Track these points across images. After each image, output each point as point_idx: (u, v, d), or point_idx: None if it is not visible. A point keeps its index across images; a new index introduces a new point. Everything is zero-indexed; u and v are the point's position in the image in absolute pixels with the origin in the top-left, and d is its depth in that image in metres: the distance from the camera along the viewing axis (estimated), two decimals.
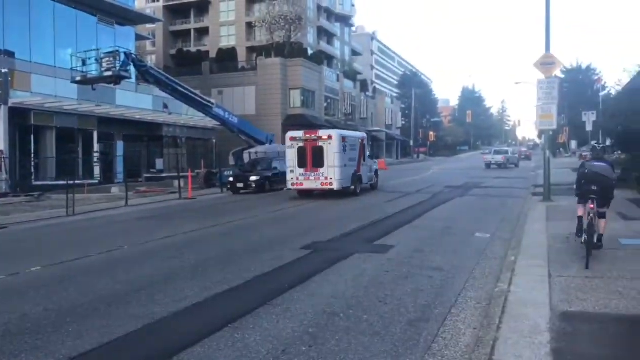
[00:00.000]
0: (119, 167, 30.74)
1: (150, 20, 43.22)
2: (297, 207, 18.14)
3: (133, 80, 27.95)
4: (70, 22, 30.51)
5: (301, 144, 21.30)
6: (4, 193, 23.47)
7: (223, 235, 12.12)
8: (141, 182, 30.16)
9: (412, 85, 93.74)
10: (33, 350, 5.37)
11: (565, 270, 7.79)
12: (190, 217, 15.94)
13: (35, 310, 6.57)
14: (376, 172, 25.92)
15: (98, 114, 29.28)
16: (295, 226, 13.44)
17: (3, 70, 25.02)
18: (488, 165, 47.52)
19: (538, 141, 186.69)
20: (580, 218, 9.00)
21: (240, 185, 24.32)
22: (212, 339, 5.63)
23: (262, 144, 30.47)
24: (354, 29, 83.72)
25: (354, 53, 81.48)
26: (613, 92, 45.85)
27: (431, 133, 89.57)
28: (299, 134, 21.60)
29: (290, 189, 21.31)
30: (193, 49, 61.15)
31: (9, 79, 25.35)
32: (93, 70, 22.64)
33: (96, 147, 29.52)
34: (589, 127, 49.56)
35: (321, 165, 20.86)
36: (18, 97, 25.74)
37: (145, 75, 23.41)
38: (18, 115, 25.55)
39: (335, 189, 20.77)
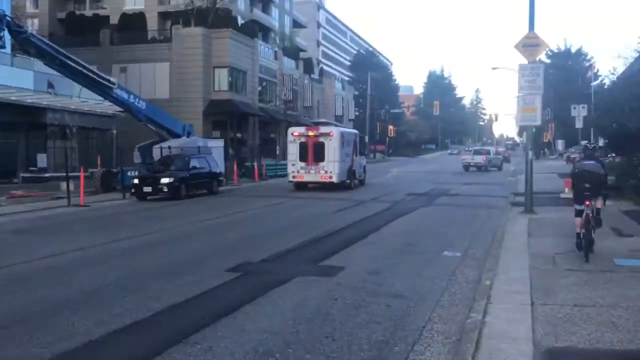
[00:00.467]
0: None
1: None
2: (227, 216, 18.07)
3: (8, 50, 27.19)
4: None
5: (303, 140, 29.01)
6: None
7: (125, 254, 11.84)
8: (17, 184, 29.36)
9: (368, 68, 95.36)
10: None
11: (551, 297, 8.09)
12: (83, 230, 15.54)
13: None
14: (364, 168, 33.54)
15: None
16: (222, 242, 13.33)
17: None
18: (466, 168, 49.67)
19: (518, 140, 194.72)
20: (578, 234, 11.20)
21: (147, 189, 24.14)
22: None
23: (178, 136, 30.06)
24: None
25: (296, 25, 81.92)
26: (607, 81, 48.31)
27: (391, 127, 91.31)
28: (302, 129, 29.77)
29: (291, 181, 29.33)
30: (88, 12, 59.03)
31: None
32: None
33: None
34: (578, 124, 51.98)
35: (322, 159, 28.64)
36: None
37: (25, 45, 22.33)
38: None
39: (335, 182, 28.48)
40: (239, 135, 49.76)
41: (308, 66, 71.49)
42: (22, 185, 29.19)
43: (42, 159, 33.15)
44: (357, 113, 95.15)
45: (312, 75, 74.03)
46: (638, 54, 29.90)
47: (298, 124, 45.86)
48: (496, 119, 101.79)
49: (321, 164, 28.87)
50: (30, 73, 32.99)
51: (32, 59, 26.95)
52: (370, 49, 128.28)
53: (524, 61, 17.86)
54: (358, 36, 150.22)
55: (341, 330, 7.04)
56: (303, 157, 29.15)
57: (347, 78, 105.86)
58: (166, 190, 24.10)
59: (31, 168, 32.55)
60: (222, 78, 47.98)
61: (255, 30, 55.65)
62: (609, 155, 36.65)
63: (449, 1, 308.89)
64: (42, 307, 8.00)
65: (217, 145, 33.80)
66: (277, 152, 47.15)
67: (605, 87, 48.92)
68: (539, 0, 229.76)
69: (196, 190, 25.87)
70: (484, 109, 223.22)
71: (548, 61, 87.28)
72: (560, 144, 79.65)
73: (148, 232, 14.80)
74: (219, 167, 29.00)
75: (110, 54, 46.73)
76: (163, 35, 50.63)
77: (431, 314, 7.78)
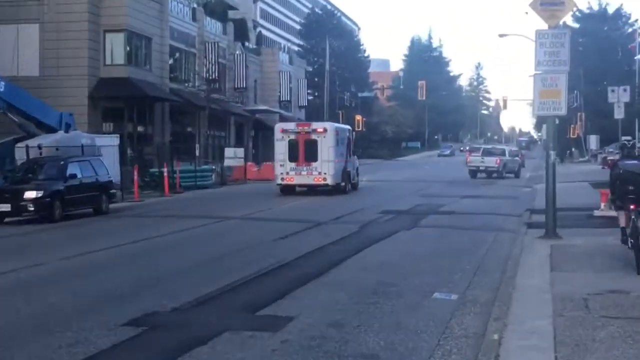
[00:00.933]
0: None
1: None
2: (124, 246, 17.85)
3: None
4: None
5: (292, 137, 34.59)
6: None
7: None
8: None
9: (326, 34, 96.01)
10: None
11: (583, 357, 8.22)
12: None
13: None
14: (357, 169, 39.61)
15: None
16: (118, 283, 13.15)
17: None
18: (474, 173, 51.65)
19: (536, 135, 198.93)
20: (623, 229, 13.74)
21: (4, 207, 23.86)
22: None
23: (53, 130, 29.66)
24: None
25: None
26: None
27: (358, 117, 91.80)
28: (291, 126, 35.37)
29: (280, 184, 34.87)
30: None
31: None
32: None
33: None
34: (618, 114, 52.86)
35: (314, 159, 34.22)
36: None
37: None
38: None
39: (330, 184, 34.37)
40: (141, 129, 49.31)
41: (241, 31, 71.61)
42: None
43: None
44: (310, 98, 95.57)
45: (246, 44, 74.10)
46: None
47: (226, 113, 45.79)
48: (504, 107, 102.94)
49: (314, 164, 34.62)
50: None
51: None
52: (329, 7, 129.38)
53: (543, 26, 18.20)
54: None
55: None
56: (293, 156, 34.83)
57: (296, 48, 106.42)
58: (33, 208, 23.86)
59: None
60: (116, 47, 47.47)
61: None
62: None
63: None
64: None
65: (109, 143, 33.43)
66: (197, 153, 46.92)
67: None
68: None
69: (77, 209, 25.56)
70: (487, 92, 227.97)
71: (576, 26, 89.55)
72: (593, 141, 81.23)
73: (3, 272, 14.51)
74: (111, 174, 28.65)
75: None
76: None
77: None
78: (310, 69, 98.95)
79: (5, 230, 22.00)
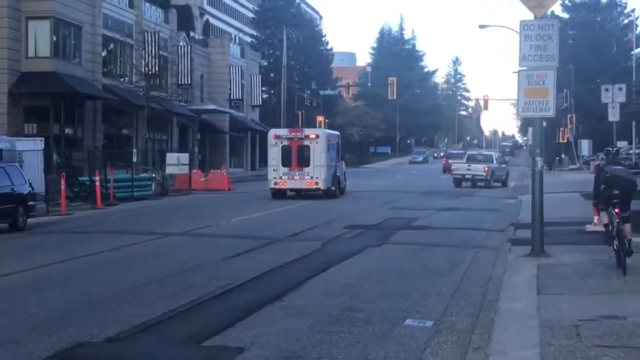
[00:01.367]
0: None
1: None
2: (48, 267, 17.64)
3: None
4: None
5: (286, 143, 41.29)
6: None
7: None
8: None
9: (283, 23, 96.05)
10: None
11: None
12: None
13: None
14: (345, 174, 46.43)
15: None
16: (40, 309, 12.94)
17: None
18: (459, 182, 53.24)
19: (521, 140, 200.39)
20: (607, 226, 16.29)
21: None
22: None
23: None
24: None
25: None
26: None
27: (320, 118, 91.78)
28: (284, 132, 42.45)
29: (272, 188, 41.37)
30: None
31: None
32: None
33: None
34: (613, 116, 53.30)
35: (307, 164, 40.81)
36: None
37: None
38: None
39: (321, 189, 41.06)
40: (69, 131, 48.91)
41: (185, 19, 71.38)
42: None
43: None
44: (265, 96, 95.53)
45: (192, 34, 73.88)
46: None
47: (168, 113, 45.51)
48: (485, 107, 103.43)
49: (306, 169, 41.15)
50: None
51: None
52: None
53: (529, 16, 18.36)
54: None
55: None
56: (286, 162, 41.29)
57: (249, 39, 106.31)
58: None
59: None
60: (40, 37, 47.11)
61: None
62: None
63: None
64: None
65: (31, 147, 33.11)
66: (135, 159, 46.62)
67: None
68: None
69: None
70: (466, 90, 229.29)
71: (566, 16, 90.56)
72: (585, 146, 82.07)
73: None
74: (31, 184, 28.25)
75: None
76: None
77: None
78: (265, 63, 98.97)
79: None
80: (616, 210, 15.60)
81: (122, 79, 56.38)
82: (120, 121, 57.00)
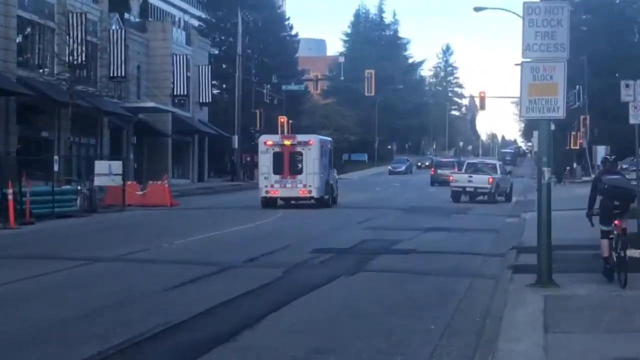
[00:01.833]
0: None
1: None
2: None
3: None
4: None
5: (277, 149, 46.74)
6: None
7: None
8: None
9: (238, 3, 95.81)
10: None
11: None
12: None
13: None
14: (336, 182, 52.27)
15: None
16: None
17: None
18: (457, 196, 54.61)
19: (525, 146, 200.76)
20: (606, 259, 18.05)
21: None
22: None
23: None
24: None
25: None
26: None
27: (282, 119, 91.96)
28: (276, 138, 48.33)
29: (264, 197, 46.98)
30: None
31: None
32: None
33: None
34: (635, 118, 53.61)
35: (299, 172, 46.30)
36: None
37: None
38: None
39: (315, 197, 46.69)
40: None
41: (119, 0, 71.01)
42: None
43: None
44: (217, 91, 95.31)
45: (127, 16, 73.58)
46: None
47: (97, 112, 45.24)
48: (482, 107, 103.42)
49: (299, 177, 46.85)
50: None
51: None
52: None
53: None
54: None
55: None
56: (278, 169, 46.93)
57: (197, 23, 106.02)
58: None
59: None
60: None
61: None
62: None
63: None
64: None
65: None
66: (56, 168, 46.36)
67: None
68: None
69: None
70: (459, 86, 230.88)
71: None
72: (601, 154, 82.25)
73: None
74: None
75: None
76: None
77: None
78: (216, 52, 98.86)
79: None
80: (616, 222, 17.80)
81: (41, 71, 56.07)
82: (38, 122, 56.66)
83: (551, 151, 19.19)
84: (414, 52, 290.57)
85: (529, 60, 18.33)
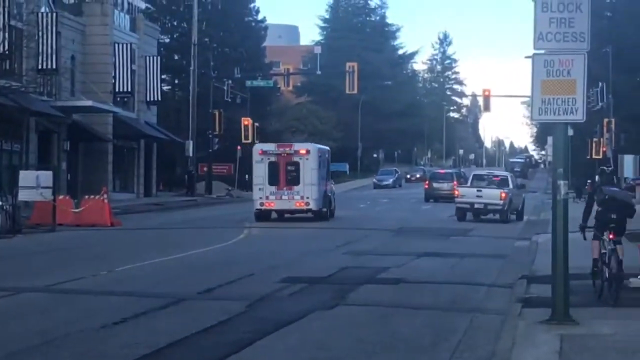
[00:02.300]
0: None
1: None
2: None
3: None
4: None
5: (273, 159, 51.86)
6: None
7: None
8: None
9: None
10: None
11: None
12: None
13: None
14: (334, 194, 58.73)
15: None
16: None
17: None
18: (463, 215, 56.04)
19: (537, 155, 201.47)
20: (595, 260, 20.70)
21: None
22: None
23: None
24: None
25: None
26: None
27: (247, 121, 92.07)
28: (271, 147, 53.44)
29: (258, 209, 52.02)
30: None
31: None
32: None
33: None
34: None
35: (296, 182, 51.30)
36: None
37: None
38: None
39: (313, 209, 51.84)
40: None
41: None
42: None
43: None
44: (167, 87, 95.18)
45: None
46: None
47: (22, 112, 44.96)
48: (486, 107, 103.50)
49: (295, 188, 51.92)
50: None
51: None
52: None
53: None
54: None
55: None
56: (273, 180, 52.02)
57: (143, 5, 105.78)
58: None
59: None
60: None
61: None
62: None
63: None
64: None
65: None
66: None
67: None
68: None
69: None
70: (459, 82, 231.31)
71: None
72: (629, 164, 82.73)
73: None
74: None
75: None
76: None
77: None
78: (167, 41, 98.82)
79: None
80: (610, 236, 20.26)
81: None
82: None
83: (569, 161, 19.29)
84: (405, 42, 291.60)
85: (541, 52, 18.37)
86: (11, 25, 57.04)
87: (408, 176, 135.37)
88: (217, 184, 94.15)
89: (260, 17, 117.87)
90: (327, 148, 61.59)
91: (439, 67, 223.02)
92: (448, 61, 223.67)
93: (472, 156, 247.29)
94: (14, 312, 21.25)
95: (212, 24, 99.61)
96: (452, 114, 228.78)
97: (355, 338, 17.80)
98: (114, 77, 76.44)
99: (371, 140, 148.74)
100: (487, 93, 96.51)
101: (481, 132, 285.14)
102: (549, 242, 19.87)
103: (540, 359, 15.02)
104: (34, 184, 47.23)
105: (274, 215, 54.46)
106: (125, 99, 79.83)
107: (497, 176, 61.59)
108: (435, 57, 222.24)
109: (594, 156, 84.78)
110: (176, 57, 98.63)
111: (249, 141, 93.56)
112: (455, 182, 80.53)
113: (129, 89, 78.45)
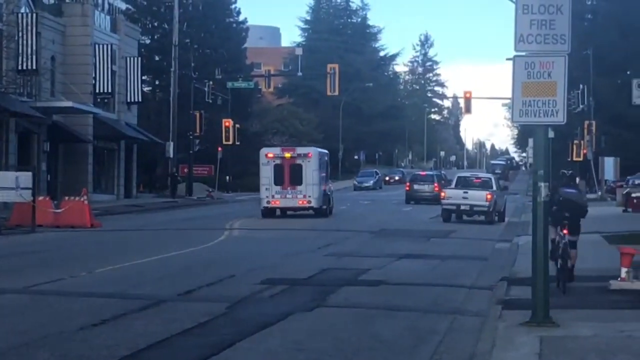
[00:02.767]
0: None
1: None
2: None
3: None
4: None
5: (278, 162, 59.28)
6: None
7: None
8: None
9: None
10: None
11: None
12: None
13: None
14: (332, 193, 66.63)
15: None
16: None
17: None
18: (449, 215, 57.32)
19: (518, 157, 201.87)
20: (553, 240, 22.03)
21: None
22: None
23: None
24: None
25: None
26: None
27: (228, 123, 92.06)
28: (277, 150, 62.68)
29: (266, 207, 59.27)
30: None
31: None
32: None
33: None
34: None
35: (299, 182, 58.67)
36: None
37: None
38: None
39: (314, 207, 59.41)
40: None
41: None
42: None
43: None
44: (148, 88, 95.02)
45: None
46: None
47: (4, 114, 44.95)
48: (467, 109, 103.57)
49: (299, 187, 58.79)
50: None
51: None
52: None
53: None
54: None
55: None
56: (278, 180, 58.88)
57: (124, 6, 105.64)
58: None
59: None
60: None
61: None
62: None
63: None
64: None
65: None
66: None
67: None
68: None
69: None
70: (441, 84, 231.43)
71: None
72: (610, 167, 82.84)
73: None
74: None
75: None
76: None
77: None
78: (148, 42, 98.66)
79: None
80: (564, 231, 23.27)
81: None
82: None
83: (549, 163, 19.24)
84: (387, 43, 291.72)
85: (522, 54, 18.39)
86: None
87: (387, 178, 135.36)
88: (197, 185, 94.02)
89: (241, 18, 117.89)
90: (327, 152, 68.10)
91: (420, 69, 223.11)
92: (429, 63, 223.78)
93: (453, 158, 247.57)
94: None
95: (193, 25, 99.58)
96: (433, 116, 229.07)
97: (335, 339, 17.81)
98: (94, 78, 76.23)
99: (352, 142, 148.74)
100: (468, 95, 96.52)
101: (462, 134, 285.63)
102: (530, 244, 19.85)
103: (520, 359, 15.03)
104: (13, 185, 47.06)
105: (275, 212, 60.51)
106: (106, 100, 79.64)
107: (480, 178, 62.42)
108: (417, 59, 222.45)
109: (574, 158, 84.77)
110: (157, 58, 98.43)
111: (230, 142, 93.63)
112: (436, 184, 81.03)
113: (109, 90, 78.23)
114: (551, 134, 19.30)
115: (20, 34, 62.43)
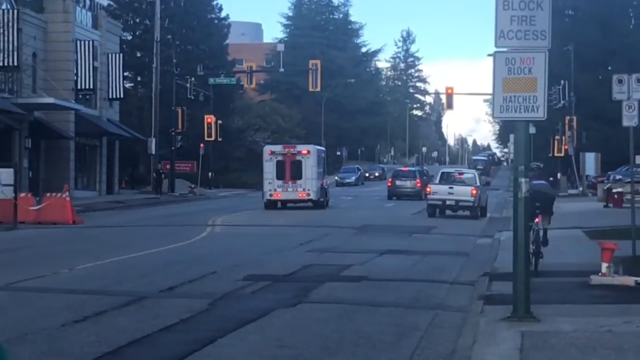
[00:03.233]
0: None
1: None
2: None
3: None
4: None
5: (280, 158, 66.85)
6: None
7: None
8: None
9: None
10: None
11: None
12: None
13: None
14: (329, 186, 77.97)
15: None
16: None
17: None
18: (434, 211, 57.76)
19: (499, 152, 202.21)
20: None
21: None
22: None
23: None
24: None
25: None
26: None
27: (210, 119, 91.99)
28: (278, 148, 69.39)
29: (269, 199, 66.38)
30: None
31: None
32: None
33: None
34: (629, 119, 54.03)
35: (299, 177, 65.90)
36: None
37: None
38: None
39: (313, 199, 66.57)
40: None
41: None
42: None
43: None
44: (130, 85, 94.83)
45: None
46: None
47: None
48: (449, 105, 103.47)
49: (299, 181, 64.63)
50: None
51: None
52: None
53: None
54: None
55: None
56: (280, 175, 64.73)
57: (105, 2, 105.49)
58: None
59: None
60: None
61: None
62: None
63: None
64: None
65: None
66: None
67: None
68: None
69: None
70: (423, 80, 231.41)
71: None
72: (591, 162, 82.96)
73: None
74: None
75: None
76: None
77: None
78: (129, 38, 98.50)
79: None
80: (536, 220, 26.08)
81: None
82: None
83: (530, 159, 19.31)
84: (369, 39, 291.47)
85: (503, 50, 18.39)
86: None
87: (367, 174, 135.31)
88: (180, 181, 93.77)
89: (223, 14, 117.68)
90: (323, 149, 77.01)
91: (402, 65, 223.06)
92: (411, 59, 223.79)
93: (435, 154, 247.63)
94: None
95: (174, 21, 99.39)
96: (415, 112, 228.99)
97: (317, 335, 17.79)
98: (76, 74, 76.04)
99: (334, 138, 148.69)
100: (449, 91, 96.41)
101: (444, 130, 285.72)
102: (511, 239, 19.86)
103: (501, 355, 15.03)
104: None
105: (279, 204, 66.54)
106: (87, 96, 79.44)
107: (463, 173, 64.35)
108: (399, 55, 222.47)
109: (556, 154, 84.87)
110: (139, 55, 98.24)
111: (212, 139, 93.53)
112: (418, 180, 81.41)
113: (91, 86, 78.05)
114: (532, 130, 19.36)
115: (1, 30, 62.29)
